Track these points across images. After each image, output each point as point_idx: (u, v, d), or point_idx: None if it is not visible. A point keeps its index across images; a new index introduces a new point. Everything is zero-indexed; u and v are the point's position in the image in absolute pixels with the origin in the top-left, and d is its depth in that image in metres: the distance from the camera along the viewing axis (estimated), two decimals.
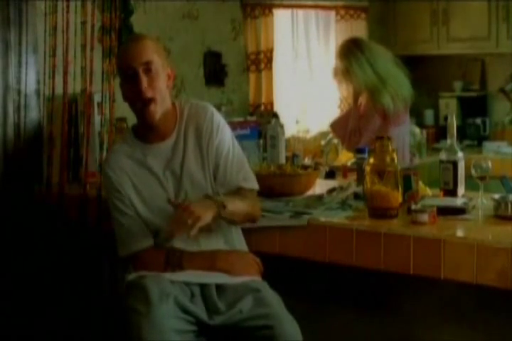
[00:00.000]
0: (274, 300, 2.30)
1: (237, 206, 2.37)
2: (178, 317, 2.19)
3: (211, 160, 2.44)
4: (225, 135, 2.48)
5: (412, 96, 3.78)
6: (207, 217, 2.26)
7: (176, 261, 2.36)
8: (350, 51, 3.78)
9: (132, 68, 2.34)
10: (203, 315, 2.25)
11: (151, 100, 2.35)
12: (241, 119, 4.09)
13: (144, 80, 2.34)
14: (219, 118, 2.49)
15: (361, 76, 3.73)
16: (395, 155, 2.58)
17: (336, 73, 3.89)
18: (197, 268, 2.36)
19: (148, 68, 2.35)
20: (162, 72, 2.39)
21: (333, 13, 5.45)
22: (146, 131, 2.45)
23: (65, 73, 3.29)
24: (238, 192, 2.46)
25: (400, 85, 3.75)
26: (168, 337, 2.12)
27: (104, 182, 2.53)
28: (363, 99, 3.84)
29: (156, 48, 2.41)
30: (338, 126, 4.03)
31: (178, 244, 2.40)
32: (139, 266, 2.39)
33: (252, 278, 2.39)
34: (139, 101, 2.36)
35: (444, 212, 2.55)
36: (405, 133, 3.89)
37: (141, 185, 2.43)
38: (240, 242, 2.53)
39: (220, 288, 2.33)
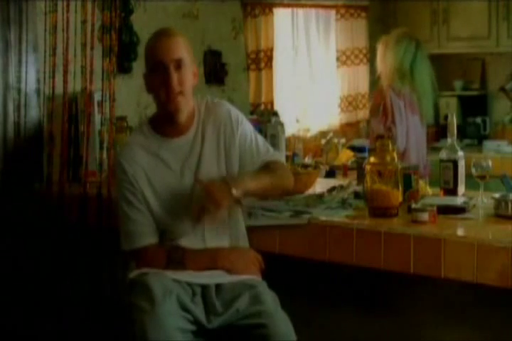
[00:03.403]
0: (269, 297, 2.30)
1: (249, 184, 2.35)
2: (180, 316, 2.19)
3: (233, 154, 2.44)
4: (245, 126, 2.50)
5: (430, 118, 3.90)
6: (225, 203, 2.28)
7: (177, 259, 2.35)
8: (411, 38, 3.85)
9: (163, 64, 2.35)
10: (201, 316, 2.24)
11: (180, 93, 2.37)
12: None
13: (175, 77, 2.35)
14: (236, 113, 2.51)
15: (398, 59, 3.75)
16: (395, 154, 2.58)
17: (382, 43, 3.92)
18: (198, 267, 2.35)
19: (178, 65, 2.37)
20: (189, 69, 2.42)
21: (333, 12, 5.46)
22: (165, 125, 2.44)
23: (65, 72, 3.29)
24: (266, 166, 2.47)
25: (425, 100, 3.81)
26: (172, 335, 2.12)
27: (118, 174, 2.45)
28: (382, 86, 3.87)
29: (186, 45, 2.43)
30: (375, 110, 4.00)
31: (184, 241, 2.39)
32: (141, 263, 2.38)
33: (252, 276, 2.39)
34: (166, 95, 2.36)
35: (445, 211, 2.55)
36: (419, 132, 3.92)
37: (156, 179, 2.40)
38: (243, 238, 2.53)
39: (218, 287, 2.33)
